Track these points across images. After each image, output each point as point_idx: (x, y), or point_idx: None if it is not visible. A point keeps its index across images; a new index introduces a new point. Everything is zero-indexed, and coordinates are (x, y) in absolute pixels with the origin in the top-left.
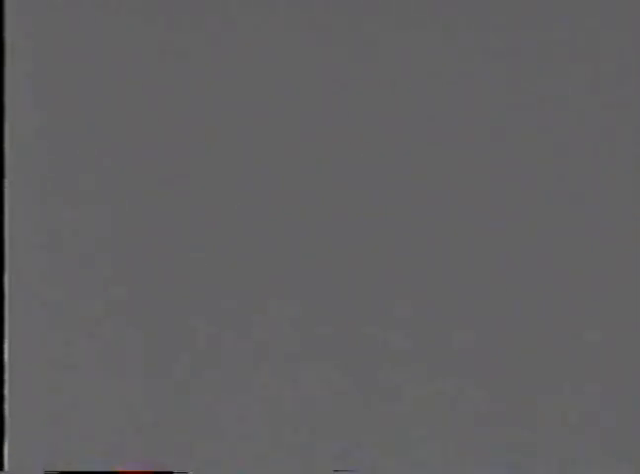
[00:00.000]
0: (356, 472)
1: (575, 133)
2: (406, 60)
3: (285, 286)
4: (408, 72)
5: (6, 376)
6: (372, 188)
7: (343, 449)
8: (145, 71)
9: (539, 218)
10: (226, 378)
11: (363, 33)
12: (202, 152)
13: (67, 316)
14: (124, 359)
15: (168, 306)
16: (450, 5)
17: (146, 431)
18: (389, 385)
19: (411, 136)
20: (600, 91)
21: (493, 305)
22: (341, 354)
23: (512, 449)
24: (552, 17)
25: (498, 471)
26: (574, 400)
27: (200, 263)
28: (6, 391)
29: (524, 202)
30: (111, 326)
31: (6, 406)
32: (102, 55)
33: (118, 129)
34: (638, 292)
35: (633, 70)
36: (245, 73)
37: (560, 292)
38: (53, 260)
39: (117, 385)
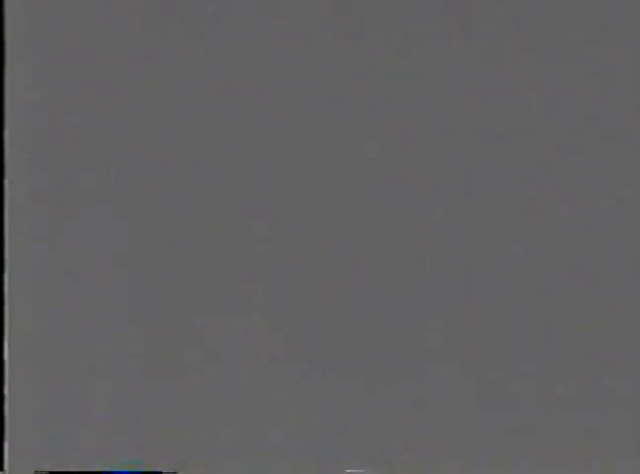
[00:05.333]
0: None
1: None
2: (406, 59)
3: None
4: (409, 70)
5: (6, 376)
6: (373, 189)
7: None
8: (147, 70)
9: (544, 220)
10: (226, 377)
11: (365, 32)
12: (203, 152)
13: (67, 316)
14: (125, 360)
15: (170, 304)
16: (453, 4)
17: (147, 431)
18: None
19: (412, 136)
20: (604, 90)
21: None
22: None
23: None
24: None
25: None
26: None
27: (203, 270)
28: (6, 391)
29: (529, 204)
30: (111, 326)
31: (6, 406)
32: (103, 55)
33: (119, 129)
34: None
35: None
36: (246, 72)
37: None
38: (53, 259)
39: (117, 385)
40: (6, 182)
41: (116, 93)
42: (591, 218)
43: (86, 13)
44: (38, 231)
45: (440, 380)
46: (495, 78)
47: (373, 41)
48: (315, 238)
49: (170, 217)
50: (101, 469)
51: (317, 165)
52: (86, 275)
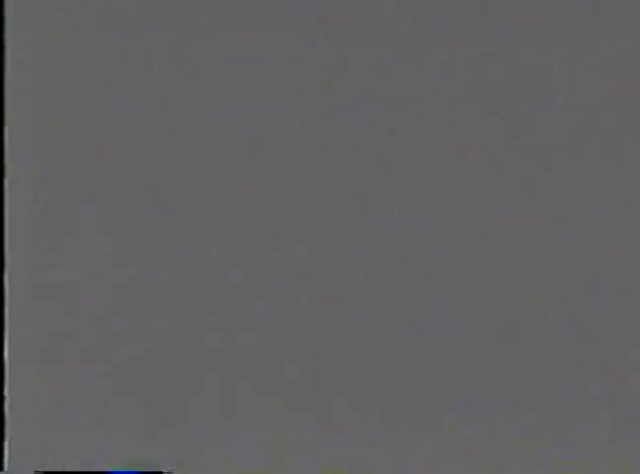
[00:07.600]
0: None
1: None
2: (406, 59)
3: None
4: (410, 73)
5: (6, 376)
6: (372, 191)
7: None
8: (147, 70)
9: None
10: (226, 378)
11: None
12: (204, 154)
13: (67, 316)
14: (125, 360)
15: (170, 306)
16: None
17: (146, 431)
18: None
19: (413, 138)
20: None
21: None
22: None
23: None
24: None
25: None
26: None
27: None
28: (6, 391)
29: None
30: (111, 326)
31: (6, 406)
32: (103, 54)
33: (119, 128)
34: None
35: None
36: (246, 75)
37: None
38: (53, 259)
39: (117, 386)
40: (6, 182)
41: (116, 92)
42: (591, 218)
43: (86, 12)
44: (38, 232)
45: (441, 381)
46: (495, 78)
47: (372, 42)
48: (313, 240)
49: (171, 218)
50: (101, 469)
51: (317, 165)
52: (86, 275)
